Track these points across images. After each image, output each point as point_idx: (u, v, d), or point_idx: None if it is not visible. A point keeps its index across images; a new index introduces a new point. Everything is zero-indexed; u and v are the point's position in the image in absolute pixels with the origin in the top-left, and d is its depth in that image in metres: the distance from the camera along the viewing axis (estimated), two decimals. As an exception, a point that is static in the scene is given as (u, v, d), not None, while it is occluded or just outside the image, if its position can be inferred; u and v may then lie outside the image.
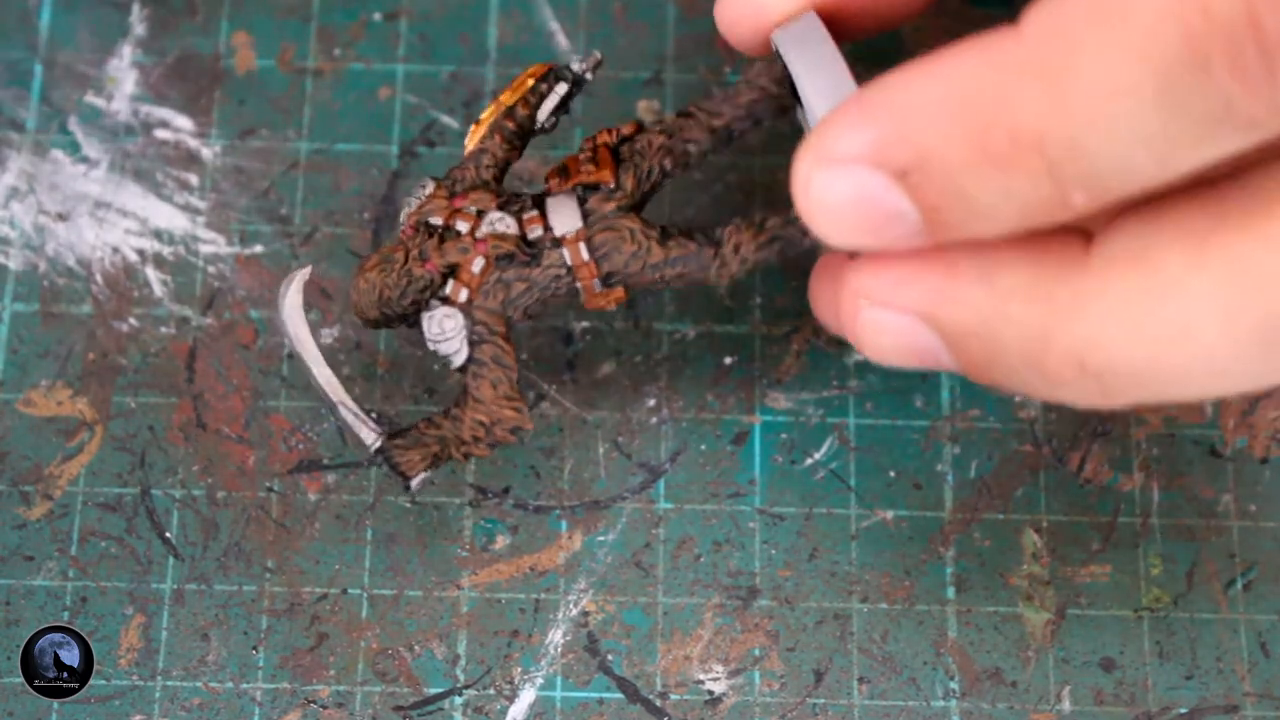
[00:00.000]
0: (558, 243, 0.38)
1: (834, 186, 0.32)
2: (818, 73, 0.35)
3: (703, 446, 0.42)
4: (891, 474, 0.42)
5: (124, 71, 0.45)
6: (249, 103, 0.45)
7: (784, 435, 0.42)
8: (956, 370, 0.35)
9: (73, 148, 0.44)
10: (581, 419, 0.42)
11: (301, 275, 0.40)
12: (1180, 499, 0.42)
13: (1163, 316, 0.31)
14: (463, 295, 0.38)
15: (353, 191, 0.44)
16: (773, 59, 0.38)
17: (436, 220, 0.39)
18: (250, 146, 0.45)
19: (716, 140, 0.40)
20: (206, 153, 0.44)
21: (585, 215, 0.39)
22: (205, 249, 0.44)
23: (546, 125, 0.40)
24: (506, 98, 0.40)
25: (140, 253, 0.44)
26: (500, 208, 0.39)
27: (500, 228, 0.38)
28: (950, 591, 0.41)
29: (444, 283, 0.38)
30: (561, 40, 0.46)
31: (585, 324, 0.43)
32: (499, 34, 0.46)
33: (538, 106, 0.40)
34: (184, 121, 0.45)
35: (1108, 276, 0.32)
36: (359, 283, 0.39)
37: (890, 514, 0.42)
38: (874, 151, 0.31)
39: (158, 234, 0.44)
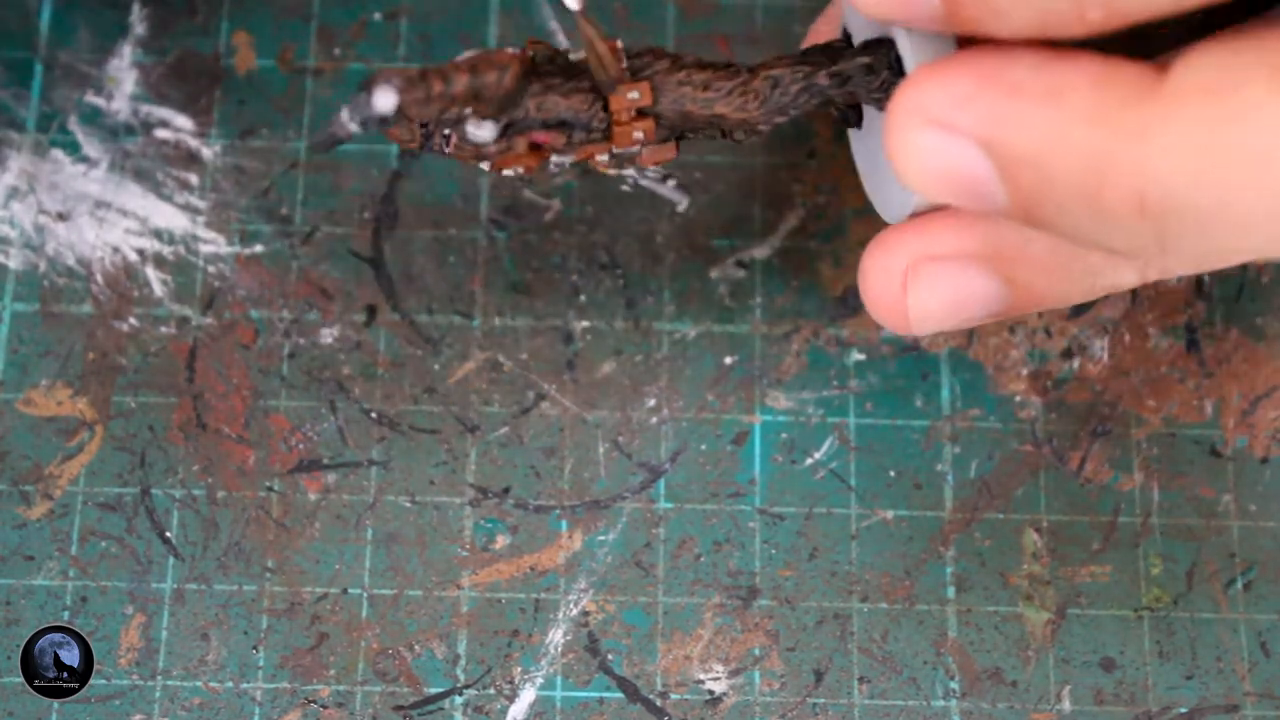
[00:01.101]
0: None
1: (934, 152, 0.31)
2: (921, 40, 0.34)
3: (703, 446, 0.42)
4: (891, 474, 0.42)
5: (124, 71, 0.45)
6: (249, 103, 0.45)
7: (784, 435, 0.42)
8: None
9: (73, 147, 0.44)
10: (581, 419, 0.42)
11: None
12: (1180, 499, 0.42)
13: (1235, 145, 0.29)
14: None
15: (353, 191, 0.44)
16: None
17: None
18: (250, 146, 0.45)
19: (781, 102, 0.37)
20: (206, 152, 0.44)
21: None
22: (205, 249, 0.44)
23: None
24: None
25: (140, 252, 0.44)
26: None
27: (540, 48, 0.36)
28: (950, 591, 0.41)
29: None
30: (561, 40, 0.46)
31: (585, 324, 0.43)
32: (499, 34, 0.46)
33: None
34: (184, 121, 0.45)
35: (1180, 101, 0.30)
36: (421, 86, 0.35)
37: (890, 514, 0.42)
38: (986, 133, 0.31)
39: (158, 234, 0.44)
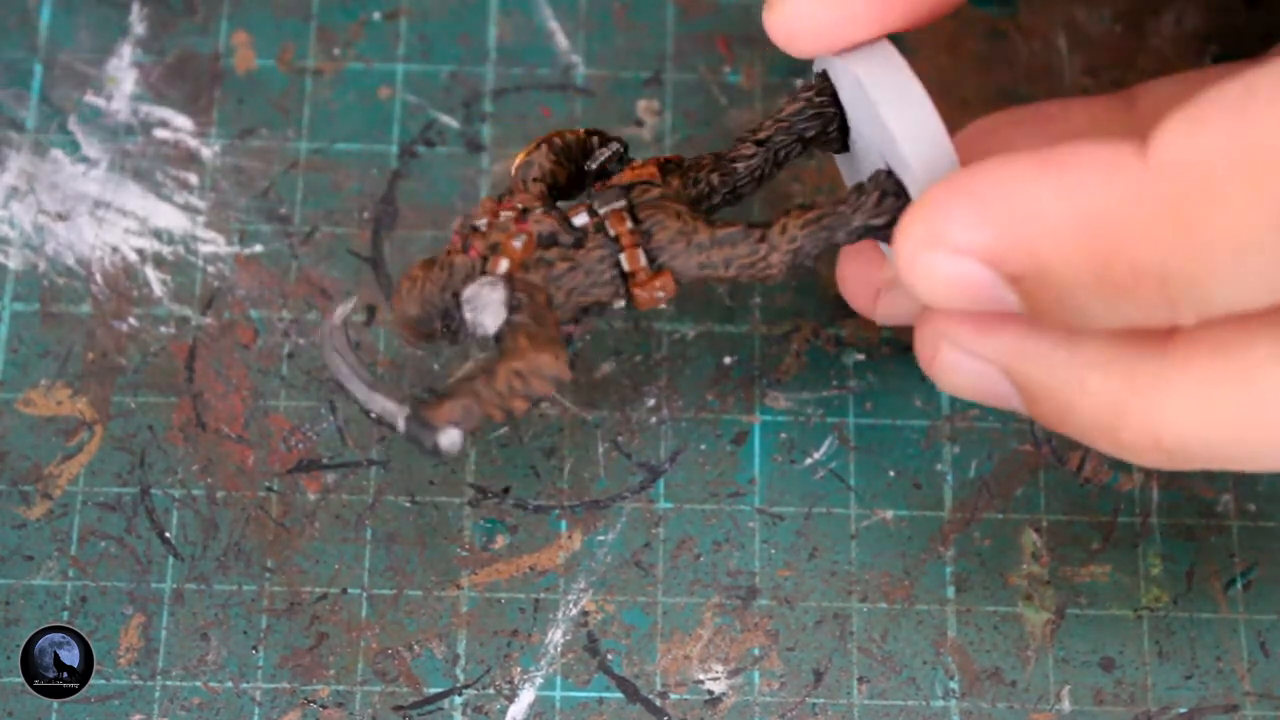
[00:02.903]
0: (601, 226, 0.37)
1: (942, 268, 0.32)
2: (902, 106, 0.35)
3: (703, 446, 0.42)
4: (891, 474, 0.42)
5: (124, 71, 0.45)
6: (249, 102, 0.45)
7: (784, 435, 0.42)
8: (1027, 414, 0.35)
9: (73, 147, 0.44)
10: (581, 419, 0.42)
11: (343, 311, 0.38)
12: (1180, 499, 0.42)
13: (1242, 402, 0.31)
14: (503, 265, 0.36)
15: (353, 191, 0.44)
16: (817, 79, 0.38)
17: (480, 222, 0.37)
18: (250, 146, 0.45)
19: (764, 157, 0.38)
20: (206, 152, 0.44)
21: (630, 202, 0.37)
22: (205, 249, 0.44)
23: (594, 177, 0.39)
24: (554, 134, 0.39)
25: (140, 252, 0.44)
26: (545, 207, 0.37)
27: (543, 215, 0.37)
28: (950, 591, 0.41)
29: (484, 267, 0.37)
30: (561, 40, 0.46)
31: (585, 324, 0.43)
32: (499, 34, 0.46)
33: (588, 146, 0.38)
34: (184, 121, 0.45)
35: (1190, 359, 0.32)
36: (402, 283, 0.37)
37: (890, 514, 0.42)
38: (989, 252, 0.31)
39: (157, 234, 0.44)
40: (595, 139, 0.39)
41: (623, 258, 0.36)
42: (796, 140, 0.38)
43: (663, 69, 0.45)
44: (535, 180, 0.38)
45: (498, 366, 0.35)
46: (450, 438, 0.35)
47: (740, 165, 0.38)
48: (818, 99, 0.38)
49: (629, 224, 0.36)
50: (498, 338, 0.36)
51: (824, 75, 0.38)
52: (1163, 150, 0.29)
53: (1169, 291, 0.30)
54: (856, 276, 0.39)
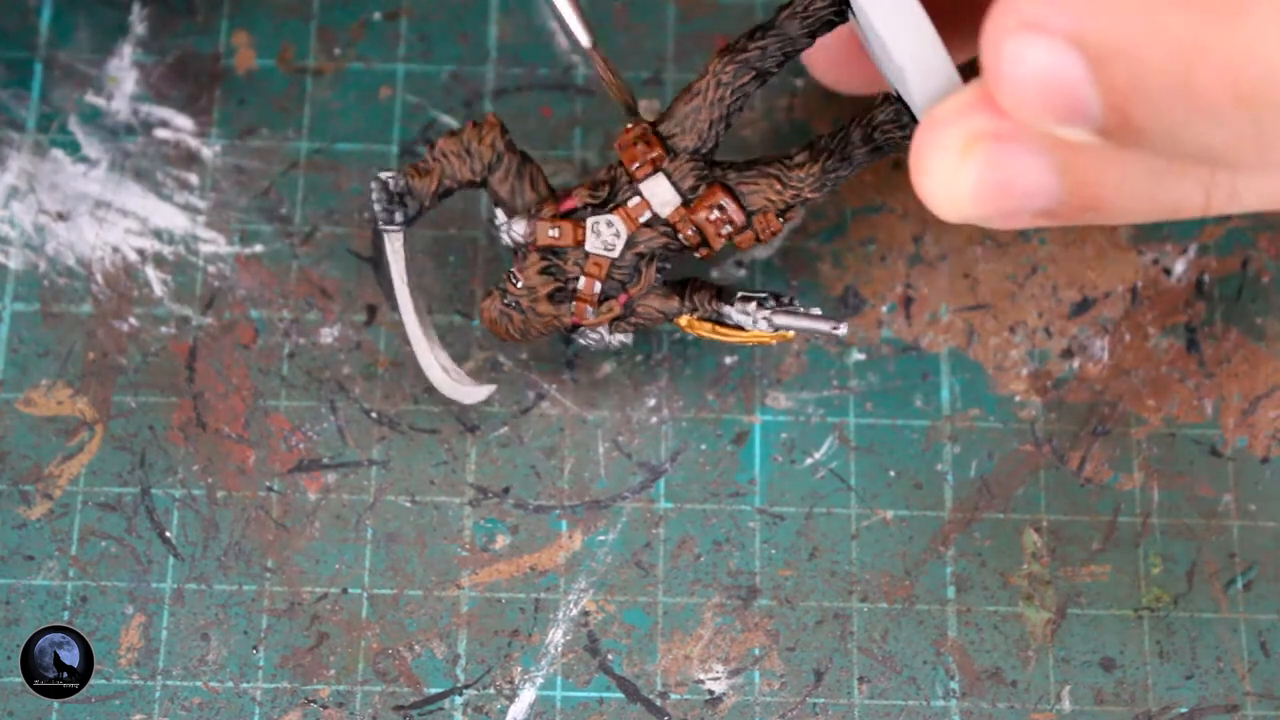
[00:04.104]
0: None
1: (1027, 57, 0.31)
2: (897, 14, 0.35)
3: (703, 446, 0.42)
4: (891, 474, 0.42)
5: (124, 71, 0.45)
6: (249, 102, 0.45)
7: (784, 435, 0.42)
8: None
9: (73, 147, 0.44)
10: (581, 419, 0.42)
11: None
12: (1180, 499, 0.42)
13: None
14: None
15: (353, 191, 0.44)
16: None
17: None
18: (250, 146, 0.45)
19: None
20: (206, 152, 0.44)
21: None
22: (205, 248, 0.44)
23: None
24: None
25: (140, 252, 0.44)
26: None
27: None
28: (950, 591, 0.41)
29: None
30: (561, 40, 0.46)
31: (585, 324, 0.43)
32: (499, 34, 0.46)
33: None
34: (184, 121, 0.45)
35: None
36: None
37: (890, 514, 0.42)
38: (1077, 28, 0.30)
39: (158, 234, 0.44)
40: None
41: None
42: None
43: (663, 69, 0.45)
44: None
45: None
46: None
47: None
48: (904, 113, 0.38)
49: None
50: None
51: None
52: None
53: (1244, 93, 0.29)
54: (933, 144, 0.35)
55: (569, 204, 0.39)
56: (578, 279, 0.39)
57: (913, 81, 0.35)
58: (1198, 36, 0.30)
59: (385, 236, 0.40)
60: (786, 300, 0.40)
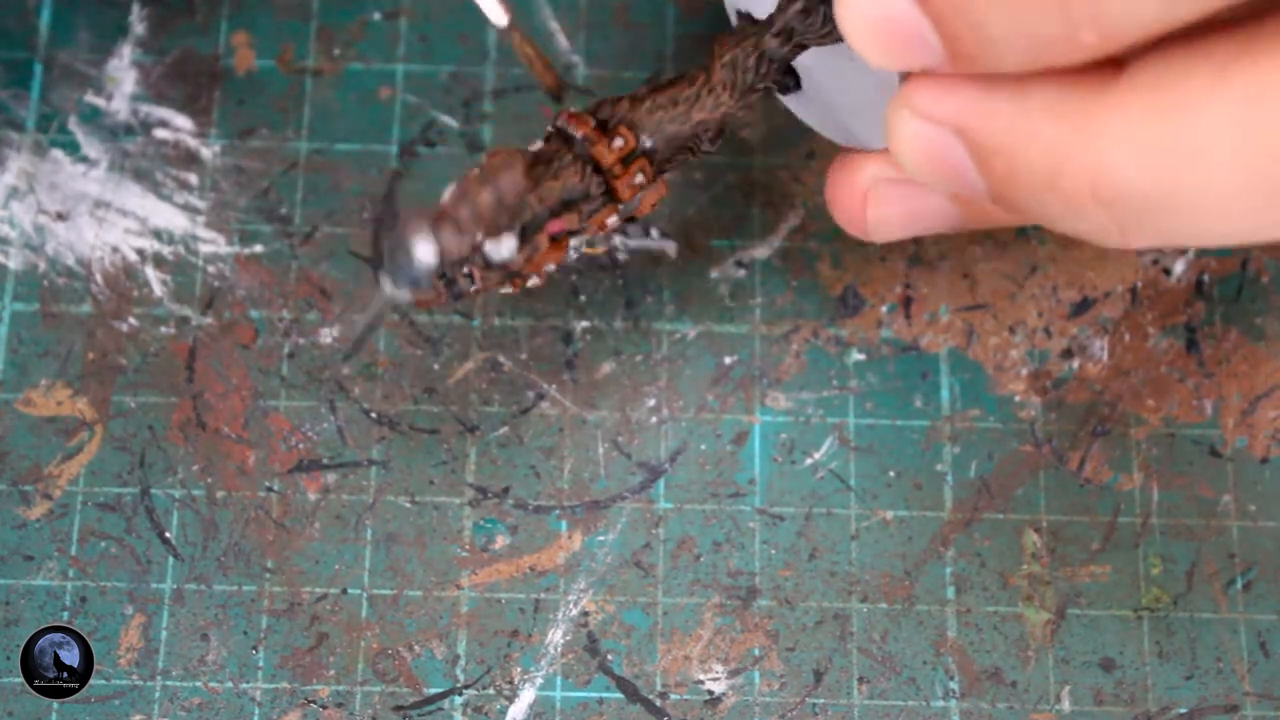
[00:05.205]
0: (563, 134, 0.37)
1: (920, 137, 0.34)
2: None
3: (703, 446, 0.42)
4: (891, 474, 0.42)
5: (124, 71, 0.45)
6: (249, 103, 0.45)
7: (784, 435, 0.42)
8: (979, 193, 0.35)
9: (73, 147, 0.44)
10: (581, 419, 0.42)
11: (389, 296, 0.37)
12: (1180, 499, 0.42)
13: (1177, 137, 0.31)
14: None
15: (353, 191, 0.44)
16: None
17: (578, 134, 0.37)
18: (250, 146, 0.45)
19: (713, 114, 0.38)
20: (206, 152, 0.44)
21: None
22: (205, 249, 0.44)
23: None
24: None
25: (140, 252, 0.44)
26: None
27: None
28: (950, 591, 0.41)
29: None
30: (561, 40, 0.46)
31: (585, 324, 0.43)
32: (499, 34, 0.46)
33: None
34: (184, 121, 0.45)
35: (1128, 97, 0.32)
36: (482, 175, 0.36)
37: (890, 514, 0.42)
38: (959, 123, 0.33)
39: (157, 234, 0.44)
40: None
41: (592, 152, 0.37)
42: (780, 60, 0.38)
43: (663, 69, 0.45)
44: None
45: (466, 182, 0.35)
46: (423, 243, 0.35)
47: None
48: (814, 4, 0.38)
49: (591, 123, 0.37)
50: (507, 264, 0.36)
51: None
52: None
53: None
54: (843, 184, 0.40)
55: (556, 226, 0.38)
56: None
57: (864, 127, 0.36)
58: (1064, 144, 0.32)
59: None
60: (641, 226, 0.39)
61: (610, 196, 0.37)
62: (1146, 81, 0.32)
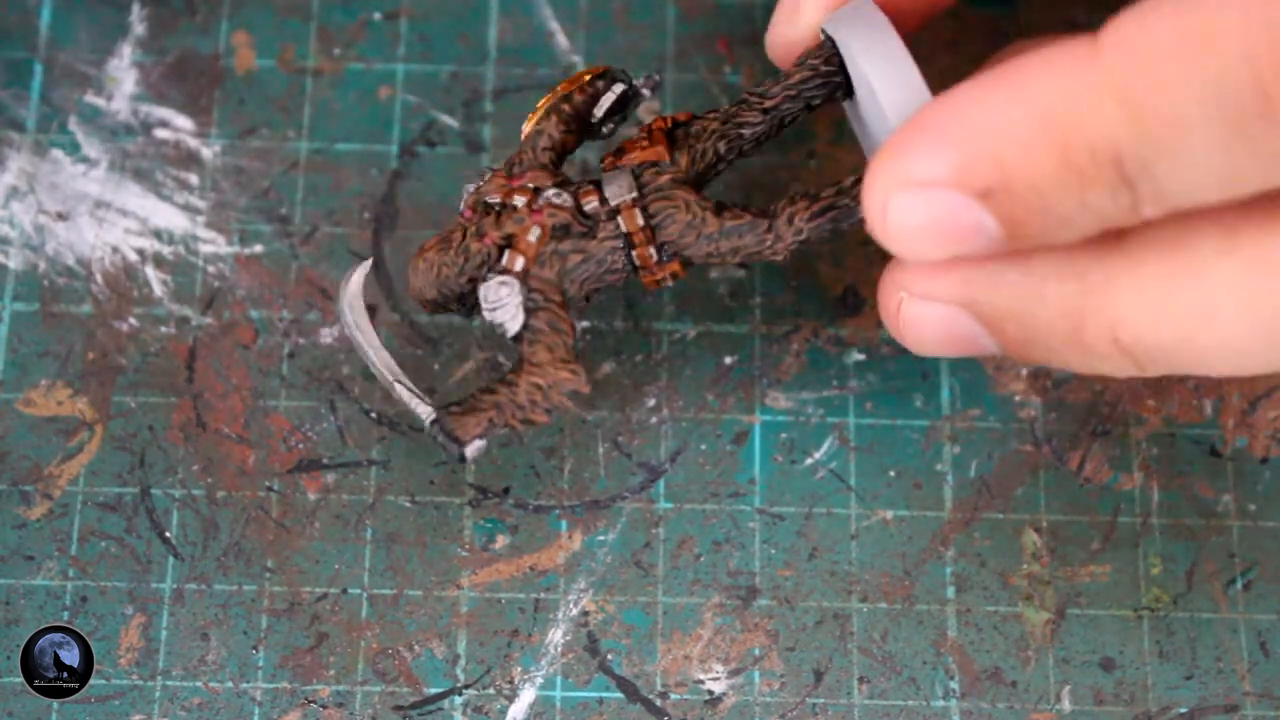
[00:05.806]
0: (614, 213, 0.38)
1: (914, 209, 0.32)
2: (883, 61, 0.36)
3: (703, 446, 0.42)
4: (891, 474, 0.42)
5: (124, 71, 0.45)
6: (249, 103, 0.45)
7: (784, 435, 0.42)
8: (998, 352, 0.36)
9: (73, 147, 0.44)
10: (581, 419, 0.42)
11: (363, 268, 0.40)
12: (1180, 499, 0.42)
13: (1188, 299, 0.32)
14: (519, 264, 0.38)
15: (353, 191, 0.44)
16: (821, 47, 0.38)
17: (494, 199, 0.39)
18: (250, 146, 0.45)
19: (770, 123, 0.39)
20: (206, 152, 0.44)
21: (640, 187, 0.38)
22: (205, 249, 0.44)
23: (605, 130, 0.40)
24: (563, 87, 0.40)
25: (140, 252, 0.44)
26: (557, 186, 0.39)
27: (556, 201, 0.38)
28: (950, 591, 0.41)
29: (500, 256, 0.38)
30: (561, 40, 0.46)
31: (585, 324, 0.43)
32: (499, 34, 0.46)
33: (595, 99, 0.40)
34: (184, 121, 0.45)
35: (1140, 258, 0.33)
36: (417, 263, 0.39)
37: (890, 514, 0.42)
38: (956, 175, 0.32)
39: (158, 234, 0.44)
40: (600, 83, 0.40)
41: (634, 254, 0.38)
42: (804, 107, 0.39)
43: (663, 69, 0.45)
44: (545, 149, 0.39)
45: (519, 380, 0.38)
46: (475, 448, 0.38)
47: (746, 132, 0.39)
48: (824, 68, 0.38)
49: (640, 220, 0.38)
50: (516, 339, 0.38)
51: (830, 41, 0.38)
52: (1111, 36, 0.30)
53: (1125, 172, 0.31)
54: (882, 292, 0.39)
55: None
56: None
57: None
58: (1079, 304, 0.34)
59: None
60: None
61: (636, 277, 0.39)
62: (1155, 242, 0.32)
